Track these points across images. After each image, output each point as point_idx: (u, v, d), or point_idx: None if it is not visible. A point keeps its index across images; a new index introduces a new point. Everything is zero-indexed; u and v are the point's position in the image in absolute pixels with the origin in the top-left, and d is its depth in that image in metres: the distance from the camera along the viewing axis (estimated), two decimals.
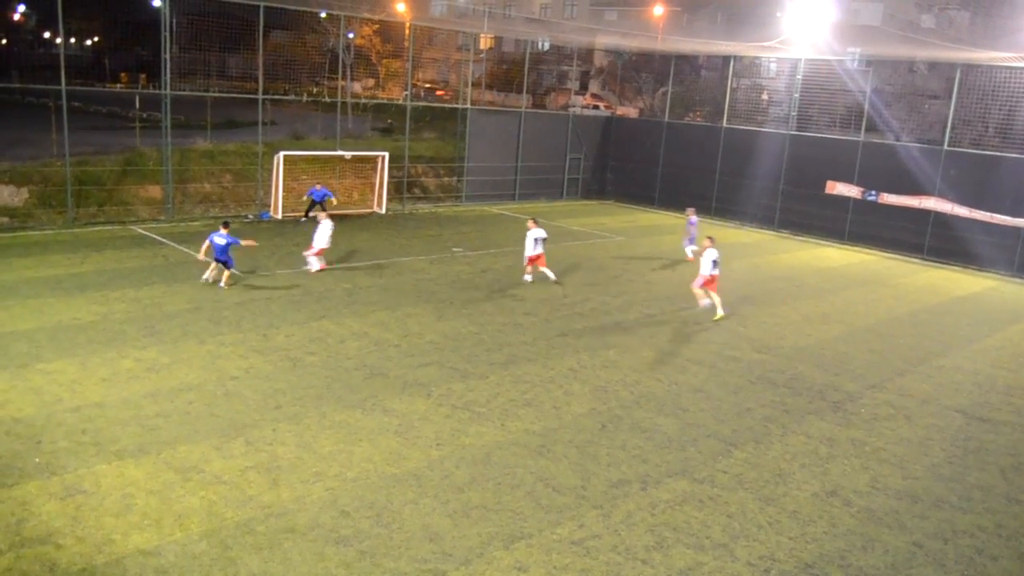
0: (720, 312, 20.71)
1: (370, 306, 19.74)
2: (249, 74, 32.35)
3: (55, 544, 9.34)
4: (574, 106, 52.16)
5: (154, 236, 25.94)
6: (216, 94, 34.25)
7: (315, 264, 22.77)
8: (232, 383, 14.35)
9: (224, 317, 18.08)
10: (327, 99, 35.32)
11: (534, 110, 44.58)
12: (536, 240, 22.80)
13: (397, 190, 34.35)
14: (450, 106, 40.66)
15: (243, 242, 21.09)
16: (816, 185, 34.31)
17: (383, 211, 33.01)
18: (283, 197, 29.97)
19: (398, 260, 24.92)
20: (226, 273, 20.54)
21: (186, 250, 24.05)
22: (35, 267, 21.12)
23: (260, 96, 30.51)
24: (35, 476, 10.79)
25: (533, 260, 23.01)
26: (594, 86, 68.34)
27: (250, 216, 29.78)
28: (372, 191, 33.70)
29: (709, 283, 20.59)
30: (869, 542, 10.73)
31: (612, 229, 33.56)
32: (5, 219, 25.87)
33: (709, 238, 21.41)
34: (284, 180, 30.01)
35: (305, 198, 30.28)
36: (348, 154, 32.98)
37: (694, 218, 28.16)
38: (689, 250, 27.62)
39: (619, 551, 10.04)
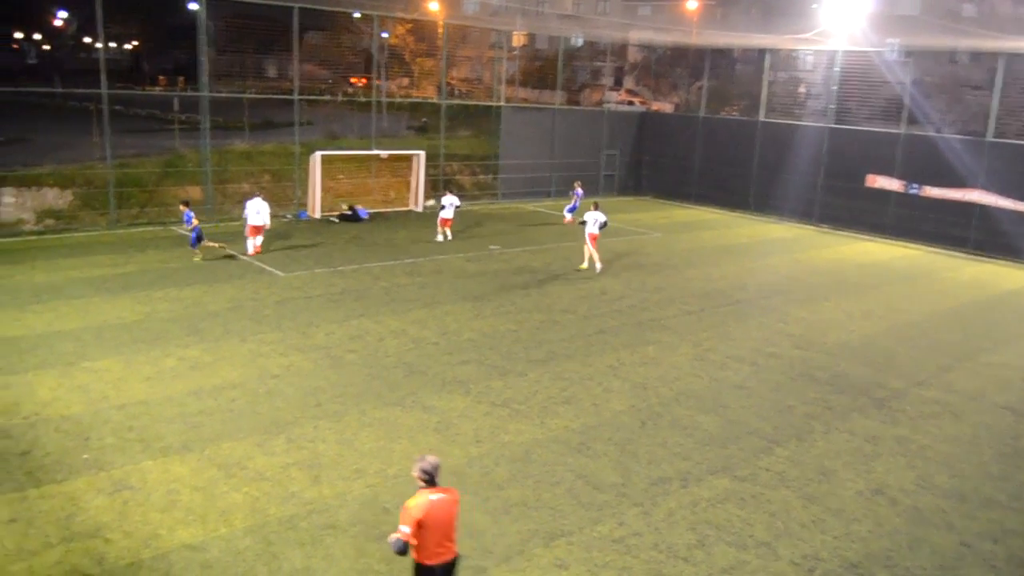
0: (585, 265, 24.49)
1: (408, 304, 19.84)
2: (285, 75, 32.64)
3: (103, 538, 9.51)
4: (608, 102, 51.96)
5: None
6: (253, 95, 34.63)
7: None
8: (273, 381, 14.51)
9: (265, 316, 18.28)
10: (362, 99, 35.54)
11: (568, 107, 44.45)
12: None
13: (433, 188, 34.44)
14: (484, 104, 40.68)
15: (206, 241, 22.98)
16: (856, 178, 33.86)
17: (420, 209, 33.13)
18: (320, 196, 30.21)
19: (435, 258, 25.01)
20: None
21: (227, 250, 24.34)
22: (80, 268, 21.52)
23: (296, 97, 30.78)
24: (83, 472, 10.99)
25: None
26: (628, 82, 68.02)
27: (288, 216, 30.06)
28: (408, 189, 33.84)
29: (592, 240, 24.23)
30: (916, 542, 10.57)
31: (649, 225, 33.39)
32: (51, 221, 26.38)
33: (595, 203, 25.33)
34: (321, 179, 30.24)
35: (345, 207, 30.64)
36: (384, 153, 33.15)
37: (579, 191, 32.79)
38: (567, 213, 32.28)
39: (660, 549, 9.99)
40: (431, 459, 7.52)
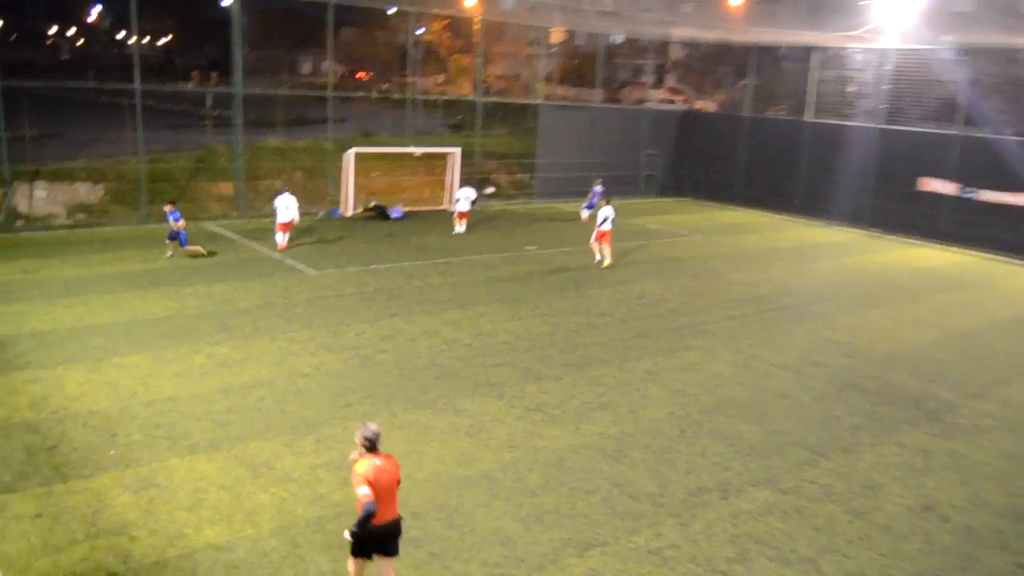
0: (608, 261, 24.85)
1: (441, 304, 19.86)
2: (318, 71, 32.89)
3: (129, 536, 9.59)
4: (649, 100, 51.70)
5: (226, 232, 26.57)
6: (286, 92, 34.92)
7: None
8: (303, 380, 14.58)
9: (295, 314, 18.39)
10: (396, 95, 35.68)
11: (608, 105, 44.28)
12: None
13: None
14: (521, 101, 40.69)
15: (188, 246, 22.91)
16: (908, 182, 33.32)
17: (488, 192, 33.21)
18: (354, 194, 30.37)
19: (470, 258, 25.02)
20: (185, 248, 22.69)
21: (258, 247, 24.58)
22: (111, 263, 21.83)
23: (330, 93, 30.98)
24: (110, 468, 11.12)
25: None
26: (670, 80, 67.62)
27: (320, 213, 30.26)
28: (443, 188, 33.93)
29: (601, 237, 24.74)
30: (968, 561, 10.33)
31: (690, 227, 33.16)
32: (82, 215, 26.83)
33: (607, 200, 25.83)
34: (355, 177, 30.40)
35: (373, 204, 30.78)
36: (418, 151, 33.27)
37: (598, 188, 32.07)
38: (585, 211, 32.18)
39: (698, 562, 9.86)
40: (372, 426, 8.08)
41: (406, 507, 10.55)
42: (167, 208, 22.64)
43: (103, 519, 9.92)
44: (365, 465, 7.91)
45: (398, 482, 8.19)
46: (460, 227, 28.85)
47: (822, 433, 13.87)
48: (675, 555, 9.97)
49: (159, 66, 70.58)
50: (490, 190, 33.41)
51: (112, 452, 11.58)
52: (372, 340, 16.98)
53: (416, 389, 14.55)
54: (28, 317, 17.17)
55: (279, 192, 24.70)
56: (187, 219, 27.54)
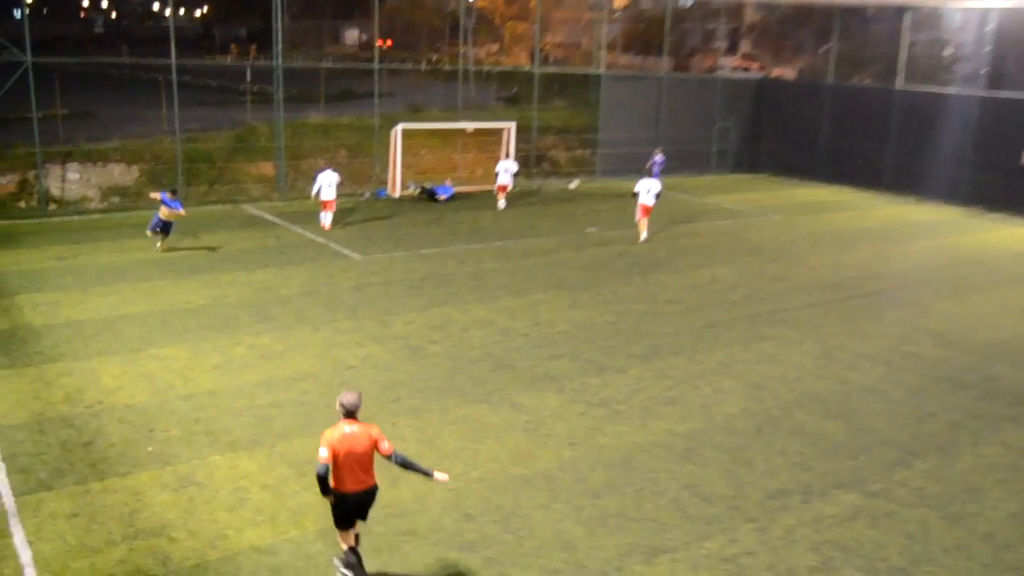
0: (644, 236, 25.37)
1: (496, 291, 19.91)
2: (365, 43, 33.13)
3: (168, 537, 9.81)
4: (722, 68, 51.07)
5: (266, 215, 26.98)
6: (330, 65, 35.23)
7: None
8: (349, 373, 14.74)
9: (340, 302, 18.60)
10: (447, 67, 35.77)
11: (676, 74, 43.85)
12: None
13: (524, 165, 34.47)
14: (582, 71, 40.49)
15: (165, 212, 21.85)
16: (1013, 154, 32.38)
17: (510, 187, 33.19)
18: (401, 173, 30.56)
19: (526, 241, 25.04)
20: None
21: (300, 231, 24.92)
22: (146, 248, 22.30)
23: (376, 66, 31.20)
24: (148, 466, 11.37)
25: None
26: (745, 45, 66.72)
27: (366, 194, 30.54)
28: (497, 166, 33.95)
29: (646, 212, 25.27)
30: None
31: (767, 206, 32.73)
32: (116, 198, 27.46)
33: (648, 168, 27.49)
34: (402, 155, 30.58)
35: (417, 189, 30.92)
36: (470, 126, 33.34)
37: (659, 158, 32.68)
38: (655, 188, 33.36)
39: (777, 571, 9.75)
40: (352, 395, 8.72)
41: (459, 508, 10.67)
42: (168, 195, 21.70)
43: (141, 519, 10.16)
44: (332, 431, 8.62)
45: (371, 451, 8.71)
46: (501, 202, 29.46)
47: (915, 431, 13.60)
48: (751, 563, 9.87)
49: (196, 39, 71.83)
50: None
51: (150, 448, 11.85)
52: (422, 330, 17.09)
53: (469, 382, 14.62)
54: (62, 306, 17.65)
55: (321, 169, 25.01)
56: (225, 202, 28.01)
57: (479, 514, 10.57)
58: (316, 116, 34.13)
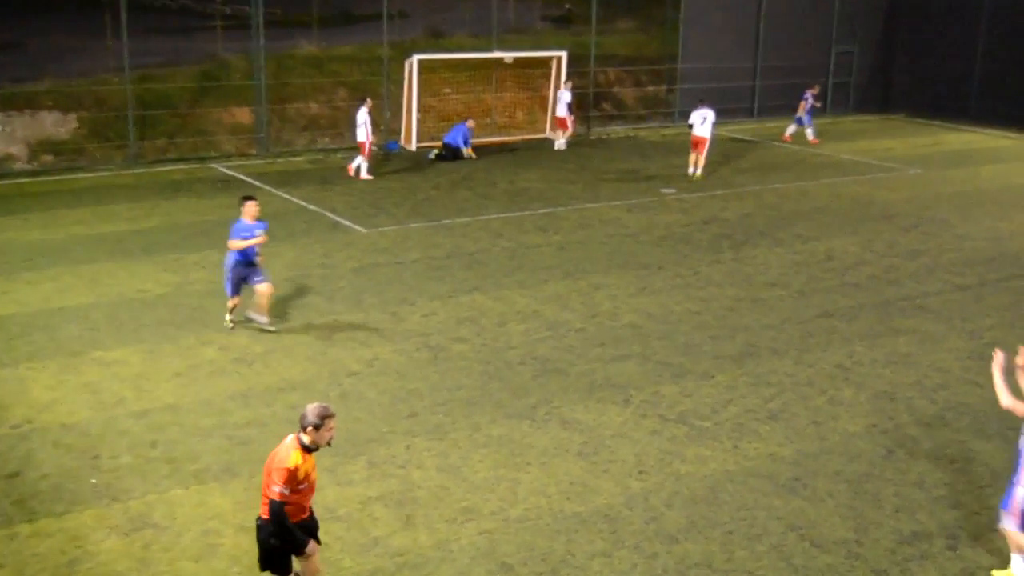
0: (698, 172, 28.57)
1: (542, 273, 19.94)
2: None
3: None
4: None
5: (242, 177, 27.19)
6: None
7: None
8: (350, 381, 14.83)
9: (339, 289, 18.71)
10: None
11: None
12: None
13: (580, 106, 34.38)
14: None
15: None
16: None
17: (569, 124, 33.24)
18: (418, 120, 30.60)
19: (582, 207, 25.04)
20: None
21: (285, 196, 25.09)
22: (88, 221, 22.58)
23: None
24: (91, 502, 11.50)
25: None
26: None
27: (374, 147, 30.63)
28: (544, 108, 33.92)
29: (697, 144, 28.38)
30: None
31: (901, 158, 32.45)
32: (49, 157, 27.73)
33: (700, 99, 29.51)
34: (420, 96, 30.61)
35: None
36: (509, 56, 33.27)
37: (811, 93, 34.58)
38: (808, 130, 34.95)
39: None
40: (312, 407, 8.95)
41: (493, 556, 10.73)
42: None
43: (83, 570, 10.28)
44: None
45: (267, 476, 9.29)
46: (560, 140, 31.21)
47: None
48: None
49: None
50: (560, 143, 32.78)
51: (94, 480, 11.97)
52: (446, 324, 17.16)
53: (507, 392, 14.66)
54: None
55: (357, 106, 27.24)
56: (189, 160, 28.24)
57: (519, 564, 10.60)
58: (307, 45, 34.21)
